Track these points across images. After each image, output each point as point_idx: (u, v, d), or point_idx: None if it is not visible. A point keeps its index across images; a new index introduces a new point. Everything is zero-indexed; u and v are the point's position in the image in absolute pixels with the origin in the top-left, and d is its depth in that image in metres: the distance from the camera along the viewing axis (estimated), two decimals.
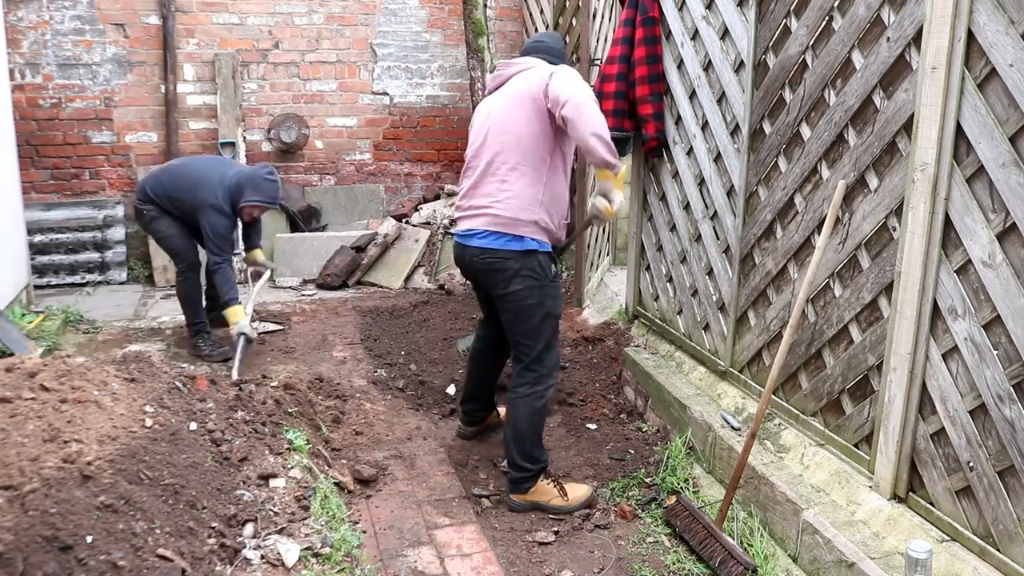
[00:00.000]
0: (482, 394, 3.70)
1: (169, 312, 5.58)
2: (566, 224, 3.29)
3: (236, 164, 5.17)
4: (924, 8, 2.42)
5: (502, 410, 3.58)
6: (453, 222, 3.66)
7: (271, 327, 5.30)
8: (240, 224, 5.04)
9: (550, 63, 3.16)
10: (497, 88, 3.24)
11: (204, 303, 4.95)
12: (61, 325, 5.07)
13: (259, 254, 5.12)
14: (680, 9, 3.81)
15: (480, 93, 6.30)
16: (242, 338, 4.51)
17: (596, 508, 3.22)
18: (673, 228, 4.06)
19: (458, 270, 3.52)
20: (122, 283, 6.23)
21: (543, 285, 3.13)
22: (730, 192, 3.53)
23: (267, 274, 5.13)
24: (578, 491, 3.24)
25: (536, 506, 3.20)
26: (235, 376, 4.27)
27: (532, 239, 3.10)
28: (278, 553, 2.55)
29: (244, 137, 6.60)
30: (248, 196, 4.60)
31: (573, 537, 3.08)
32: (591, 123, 2.90)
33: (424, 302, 5.85)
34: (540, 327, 3.15)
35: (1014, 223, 2.18)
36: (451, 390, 4.27)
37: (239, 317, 4.56)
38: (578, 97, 2.92)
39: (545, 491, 3.21)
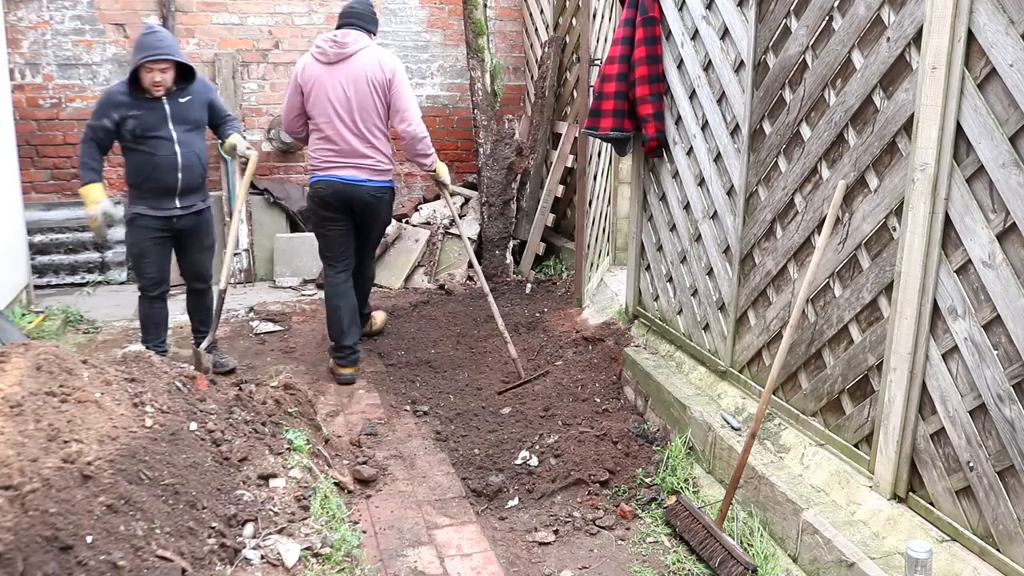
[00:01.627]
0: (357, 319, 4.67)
1: (169, 312, 5.58)
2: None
3: None
4: (924, 8, 2.42)
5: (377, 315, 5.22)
6: (317, 170, 4.50)
7: (271, 327, 5.30)
8: (206, 119, 4.40)
9: (371, 33, 4.52)
10: (337, 62, 4.36)
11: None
12: (61, 325, 5.08)
13: (235, 139, 4.44)
14: (680, 9, 3.81)
15: (480, 93, 6.31)
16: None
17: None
18: (673, 228, 4.06)
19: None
20: (122, 283, 6.23)
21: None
22: (730, 192, 3.53)
23: (253, 158, 4.47)
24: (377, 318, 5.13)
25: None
26: (206, 344, 4.42)
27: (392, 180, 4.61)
28: (278, 553, 2.55)
29: (244, 137, 6.59)
30: (133, 60, 4.02)
31: (573, 537, 3.08)
32: (423, 143, 4.49)
33: (424, 302, 5.85)
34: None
35: (1014, 223, 2.18)
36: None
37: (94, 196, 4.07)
38: (415, 119, 4.43)
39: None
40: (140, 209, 4.18)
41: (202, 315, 4.58)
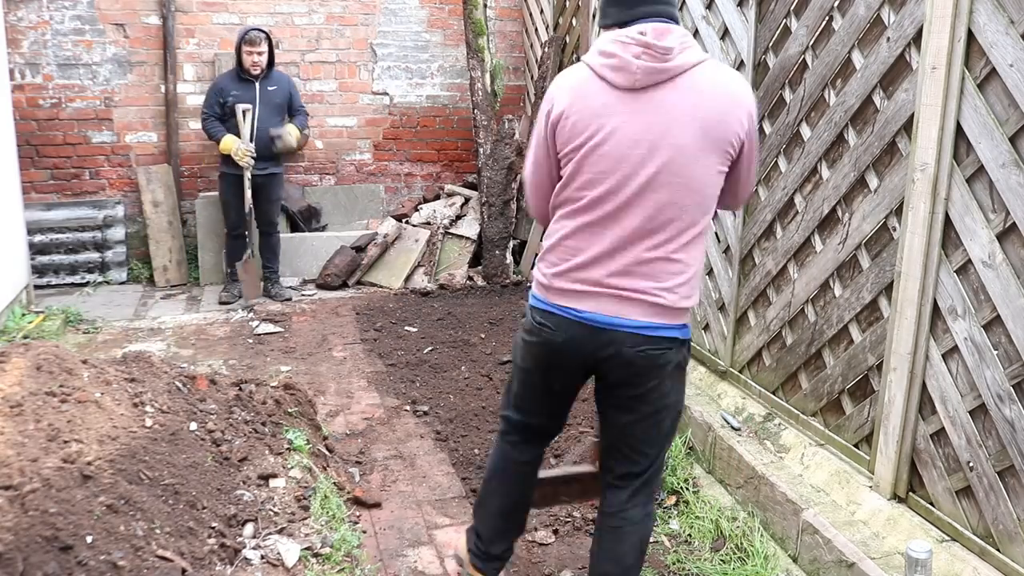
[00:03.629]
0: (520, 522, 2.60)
1: (169, 312, 5.59)
2: None
3: None
4: (924, 8, 2.42)
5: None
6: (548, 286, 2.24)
7: (271, 328, 5.30)
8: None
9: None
10: (653, 86, 2.00)
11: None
12: (61, 325, 5.08)
13: (290, 126, 5.72)
14: (680, 9, 3.81)
15: (480, 93, 6.29)
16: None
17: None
18: None
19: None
20: (122, 283, 6.23)
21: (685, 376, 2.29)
22: None
23: (287, 139, 5.64)
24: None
25: None
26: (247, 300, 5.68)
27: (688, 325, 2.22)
28: (278, 553, 2.55)
29: (301, 129, 6.58)
30: (236, 42, 5.60)
31: (573, 537, 3.08)
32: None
33: (424, 302, 5.85)
34: (672, 430, 2.30)
35: (1014, 223, 2.18)
36: None
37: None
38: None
39: None
40: (226, 169, 5.62)
41: (269, 254, 5.92)
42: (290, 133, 5.65)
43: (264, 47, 5.55)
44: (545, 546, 3.02)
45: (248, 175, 5.55)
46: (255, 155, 5.53)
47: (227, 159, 5.55)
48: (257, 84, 5.58)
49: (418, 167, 7.21)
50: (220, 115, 5.57)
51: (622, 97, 2.01)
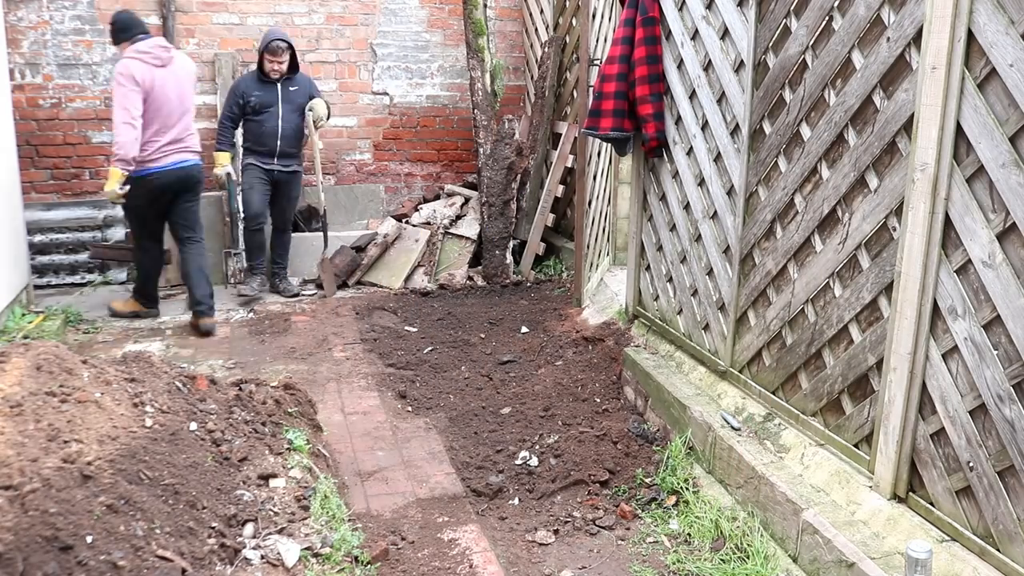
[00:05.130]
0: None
1: (169, 312, 5.59)
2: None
3: None
4: (924, 8, 2.42)
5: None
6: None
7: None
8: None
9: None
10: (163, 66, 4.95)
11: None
12: (61, 325, 5.07)
13: (317, 100, 5.96)
14: (680, 9, 3.81)
15: (480, 93, 6.31)
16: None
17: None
18: (673, 228, 4.06)
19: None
20: (122, 283, 6.22)
21: None
22: (730, 192, 3.53)
23: (318, 111, 5.92)
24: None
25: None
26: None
27: None
28: (278, 553, 2.55)
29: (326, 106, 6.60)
30: (260, 47, 5.84)
31: (573, 537, 3.08)
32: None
33: (424, 302, 5.85)
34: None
35: (1014, 223, 2.18)
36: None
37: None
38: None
39: None
40: (251, 160, 5.88)
41: (280, 250, 6.13)
42: (319, 104, 5.90)
43: (285, 56, 5.75)
44: (545, 546, 3.02)
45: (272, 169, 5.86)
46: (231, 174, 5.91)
47: (252, 151, 5.84)
48: (279, 86, 5.77)
49: (418, 167, 7.21)
50: (239, 116, 5.78)
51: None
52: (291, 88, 5.82)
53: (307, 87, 5.97)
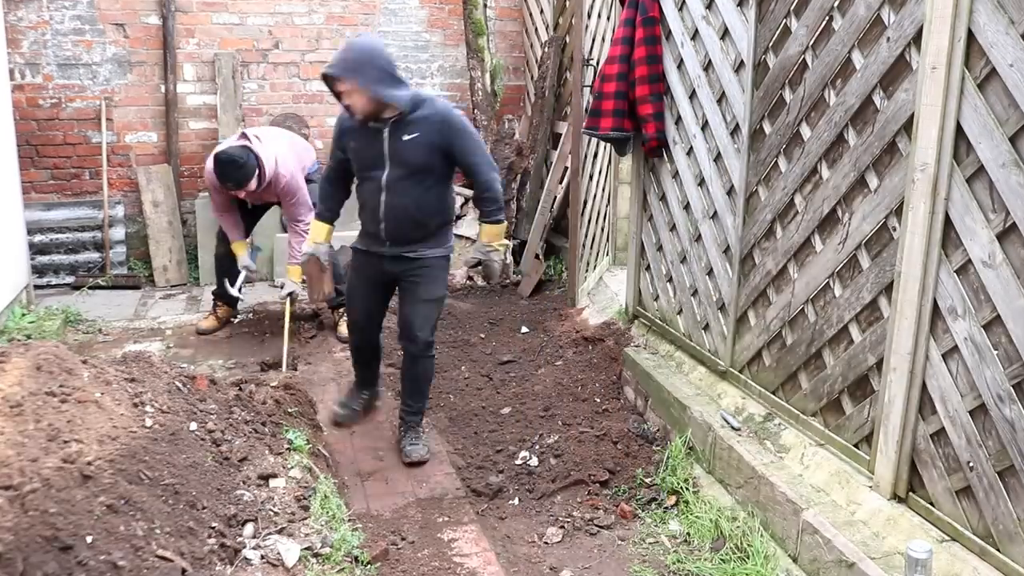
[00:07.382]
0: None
1: (169, 312, 5.58)
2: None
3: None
4: (924, 8, 2.42)
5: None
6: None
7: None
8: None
9: None
10: None
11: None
12: (61, 325, 5.07)
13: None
14: (680, 9, 3.81)
15: (480, 93, 6.30)
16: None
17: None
18: (673, 228, 4.06)
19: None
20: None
21: None
22: (730, 192, 3.53)
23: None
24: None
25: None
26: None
27: None
28: (278, 553, 2.55)
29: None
30: None
31: (573, 537, 3.08)
32: None
33: None
34: None
35: (1014, 223, 2.18)
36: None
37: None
38: None
39: None
40: (356, 244, 3.71)
41: (407, 383, 3.77)
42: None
43: (348, 87, 3.31)
44: (545, 546, 3.02)
45: None
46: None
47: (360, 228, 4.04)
48: (386, 131, 3.39)
49: None
50: (335, 173, 3.75)
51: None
52: (405, 137, 3.37)
53: (438, 133, 3.38)
